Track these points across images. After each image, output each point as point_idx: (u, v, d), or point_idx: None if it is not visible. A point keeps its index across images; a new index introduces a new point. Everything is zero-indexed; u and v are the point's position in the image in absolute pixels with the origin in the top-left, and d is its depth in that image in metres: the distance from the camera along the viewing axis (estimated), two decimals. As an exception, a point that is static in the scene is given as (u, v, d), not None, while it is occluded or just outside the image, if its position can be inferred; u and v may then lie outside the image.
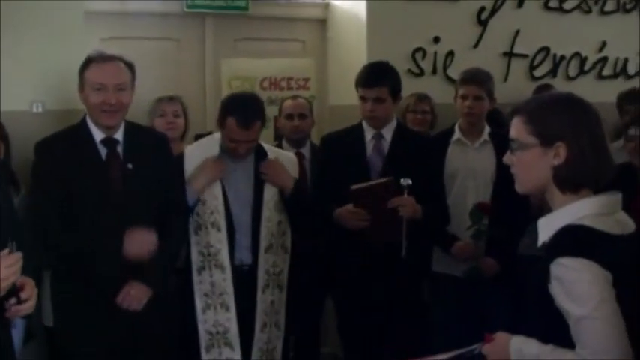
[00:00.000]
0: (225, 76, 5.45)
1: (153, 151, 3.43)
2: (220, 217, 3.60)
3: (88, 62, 3.32)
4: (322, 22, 5.85)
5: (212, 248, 3.59)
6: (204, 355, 3.61)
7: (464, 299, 4.12)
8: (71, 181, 3.22)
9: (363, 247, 3.73)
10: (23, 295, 2.34)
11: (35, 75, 4.37)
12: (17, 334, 3.83)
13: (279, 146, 4.57)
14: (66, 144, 3.31)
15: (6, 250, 2.23)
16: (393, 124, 3.94)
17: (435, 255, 4.18)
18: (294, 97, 4.80)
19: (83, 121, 3.38)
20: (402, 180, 3.60)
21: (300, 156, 4.48)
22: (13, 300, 2.33)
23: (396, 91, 3.86)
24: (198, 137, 4.94)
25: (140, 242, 3.19)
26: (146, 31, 5.30)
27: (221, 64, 5.50)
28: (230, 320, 3.59)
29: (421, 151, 3.89)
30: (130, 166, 3.32)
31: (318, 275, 4.21)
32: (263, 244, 3.64)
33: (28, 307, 2.38)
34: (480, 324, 3.73)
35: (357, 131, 3.95)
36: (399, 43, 5.30)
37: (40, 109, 4.46)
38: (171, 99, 4.34)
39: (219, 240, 3.59)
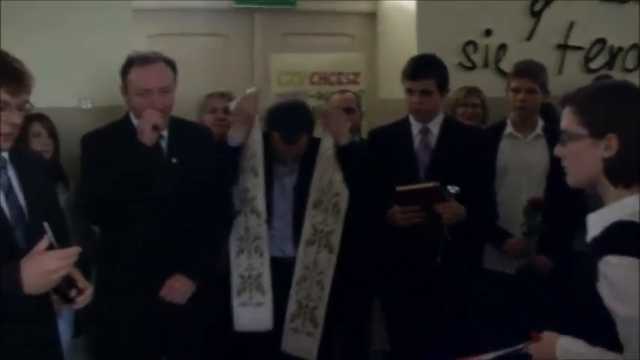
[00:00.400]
0: (274, 72, 5.42)
1: (197, 145, 3.38)
2: (259, 163, 3.60)
3: (130, 65, 3.26)
4: (372, 16, 5.79)
5: (248, 194, 3.60)
6: (235, 298, 3.61)
7: (514, 297, 4.00)
8: (115, 174, 3.17)
9: (407, 245, 3.67)
10: (80, 284, 2.35)
11: (84, 72, 4.40)
12: (66, 327, 3.87)
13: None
14: (110, 138, 3.29)
15: (46, 239, 2.23)
16: (440, 117, 3.86)
17: (486, 252, 4.09)
18: (342, 91, 4.74)
19: (127, 117, 3.36)
20: (449, 187, 3.53)
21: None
22: (73, 291, 2.33)
23: (443, 84, 3.78)
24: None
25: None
26: (194, 27, 5.31)
27: (270, 59, 5.48)
28: (263, 265, 3.59)
29: (470, 145, 3.80)
30: (174, 160, 3.29)
31: (366, 273, 4.13)
32: (311, 200, 3.64)
33: (87, 295, 2.39)
34: (530, 323, 3.64)
35: (403, 125, 3.88)
36: (449, 36, 5.22)
37: (89, 106, 4.50)
38: (222, 95, 4.31)
39: (256, 185, 3.60)
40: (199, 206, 3.28)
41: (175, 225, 3.21)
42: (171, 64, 3.31)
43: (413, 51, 5.07)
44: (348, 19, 5.79)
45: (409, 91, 3.77)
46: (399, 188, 3.59)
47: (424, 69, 3.74)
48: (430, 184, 3.57)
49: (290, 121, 3.63)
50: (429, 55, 3.93)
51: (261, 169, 3.59)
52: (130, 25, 4.67)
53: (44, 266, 2.18)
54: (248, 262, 3.60)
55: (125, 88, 3.27)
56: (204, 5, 5.33)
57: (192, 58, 5.20)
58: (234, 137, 3.53)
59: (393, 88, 5.25)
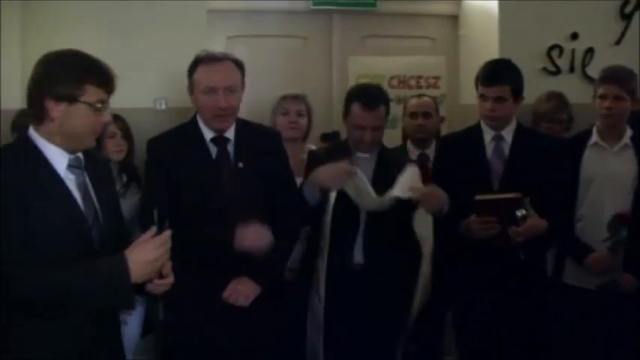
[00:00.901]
0: (352, 74, 5.35)
1: (265, 149, 3.34)
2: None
3: (197, 63, 3.25)
4: (453, 19, 5.67)
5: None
6: None
7: (595, 315, 3.82)
8: (181, 178, 3.19)
9: (481, 258, 3.55)
10: (164, 270, 2.41)
11: (158, 73, 4.44)
12: (135, 327, 3.88)
13: (404, 147, 4.44)
14: (177, 142, 3.28)
15: (152, 230, 2.32)
16: (513, 124, 3.72)
17: (567, 266, 3.92)
18: (420, 95, 4.64)
19: (194, 119, 3.34)
20: (517, 212, 3.38)
21: (424, 157, 4.33)
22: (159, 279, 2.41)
23: (518, 91, 3.64)
24: (324, 137, 4.88)
25: (254, 236, 3.12)
26: (272, 28, 5.29)
27: (348, 61, 5.41)
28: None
29: (547, 154, 3.65)
30: (240, 164, 3.26)
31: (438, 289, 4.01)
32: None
33: (168, 282, 2.45)
34: (609, 342, 3.50)
35: (475, 132, 3.76)
36: (533, 40, 5.05)
37: (163, 107, 4.54)
38: (296, 97, 4.26)
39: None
40: (267, 210, 3.23)
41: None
42: (239, 65, 3.28)
43: (495, 55, 4.94)
44: (428, 22, 5.69)
45: (482, 97, 3.67)
46: (479, 197, 3.46)
47: (499, 74, 3.63)
48: (512, 195, 3.43)
49: (369, 90, 3.66)
50: (504, 59, 3.81)
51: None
52: (203, 26, 4.70)
53: (148, 255, 2.28)
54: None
55: (191, 88, 3.27)
56: (283, 6, 5.30)
57: (270, 59, 5.20)
58: (313, 186, 3.43)
59: (474, 93, 5.11)
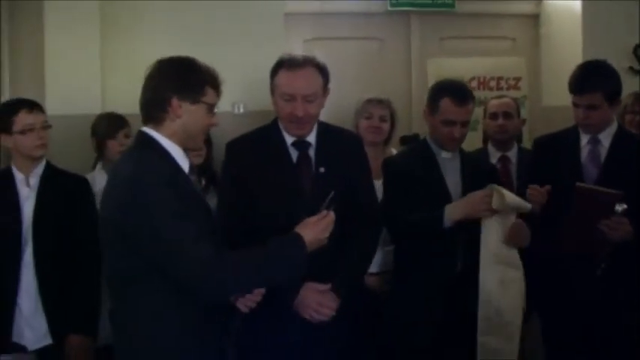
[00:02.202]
0: (431, 76, 5.28)
1: (346, 154, 3.24)
2: None
3: (278, 67, 3.17)
4: (534, 18, 5.58)
5: None
6: None
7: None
8: (260, 182, 3.12)
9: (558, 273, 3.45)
10: None
11: (236, 77, 4.40)
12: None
13: (485, 149, 4.36)
14: (257, 145, 3.22)
15: (324, 212, 2.62)
16: (613, 127, 3.54)
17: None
18: (500, 96, 4.55)
19: (274, 123, 3.27)
20: (617, 206, 3.24)
21: (505, 160, 4.25)
22: None
23: (613, 95, 3.46)
24: (403, 139, 4.83)
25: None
26: (349, 30, 5.29)
27: (427, 63, 5.37)
28: None
29: None
30: (322, 169, 3.17)
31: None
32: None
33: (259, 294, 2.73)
34: None
35: (571, 134, 3.61)
36: (618, 39, 4.95)
37: (242, 110, 4.56)
38: (380, 102, 4.20)
39: None
40: (348, 216, 3.09)
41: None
42: (322, 70, 3.18)
43: (578, 55, 4.84)
44: (508, 22, 5.61)
45: (574, 104, 3.51)
46: (580, 184, 3.36)
47: (589, 82, 3.44)
48: (614, 191, 3.27)
49: (458, 84, 3.57)
50: (595, 63, 3.60)
51: None
52: (281, 29, 4.73)
53: (320, 233, 2.58)
54: None
55: (272, 90, 3.21)
56: (359, 8, 5.29)
57: (348, 62, 5.18)
58: (452, 218, 3.28)
59: (557, 95, 5.04)
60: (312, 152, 3.21)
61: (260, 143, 3.23)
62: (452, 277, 3.36)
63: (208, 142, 4.10)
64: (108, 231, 2.46)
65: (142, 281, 2.40)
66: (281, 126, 3.22)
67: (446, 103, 3.40)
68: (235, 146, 3.27)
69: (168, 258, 2.33)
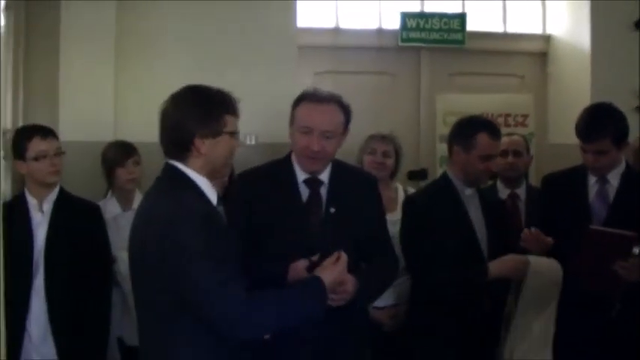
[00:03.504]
0: (440, 112, 5.32)
1: (360, 194, 3.12)
2: None
3: (302, 99, 3.07)
4: (542, 56, 5.64)
5: None
6: None
7: None
8: (266, 219, 3.01)
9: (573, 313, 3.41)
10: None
11: (249, 108, 4.41)
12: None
13: (494, 186, 4.37)
14: (267, 179, 3.11)
15: (336, 255, 2.62)
16: (621, 167, 3.54)
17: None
18: (510, 134, 4.56)
19: (287, 157, 3.15)
20: (635, 248, 3.21)
21: (514, 197, 4.26)
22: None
23: (621, 139, 3.44)
24: (411, 174, 4.85)
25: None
26: (360, 64, 5.33)
27: (436, 99, 5.40)
28: None
29: None
30: (332, 209, 3.04)
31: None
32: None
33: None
34: None
35: (579, 173, 3.60)
36: (626, 78, 4.97)
37: (253, 142, 4.56)
38: (384, 138, 4.21)
39: None
40: (360, 256, 3.04)
41: None
42: (345, 109, 3.06)
43: (586, 93, 4.87)
44: (517, 59, 5.67)
45: (583, 150, 3.49)
46: (593, 227, 3.35)
47: (595, 130, 3.42)
48: (629, 233, 3.25)
49: (487, 120, 3.62)
50: (602, 108, 3.54)
51: None
52: (294, 62, 4.74)
53: (338, 276, 2.60)
54: None
55: (291, 121, 3.09)
56: (371, 43, 5.34)
57: (358, 95, 5.17)
58: (493, 273, 3.31)
59: (564, 132, 5.05)
60: (324, 191, 3.09)
61: (270, 178, 3.12)
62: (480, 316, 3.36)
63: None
64: (140, 268, 2.45)
65: (176, 319, 2.39)
66: (294, 161, 3.11)
67: (483, 139, 3.38)
68: (246, 178, 3.19)
69: (202, 298, 2.32)
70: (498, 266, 3.30)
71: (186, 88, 2.56)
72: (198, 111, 2.47)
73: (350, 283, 2.80)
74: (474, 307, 3.34)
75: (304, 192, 3.07)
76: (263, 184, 3.09)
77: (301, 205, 3.06)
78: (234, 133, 2.53)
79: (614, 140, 3.41)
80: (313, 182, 3.08)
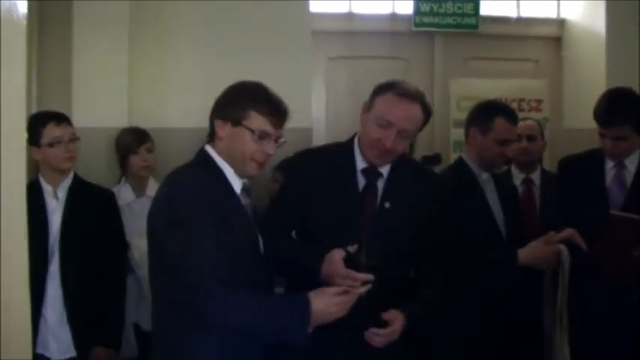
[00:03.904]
0: (454, 97, 5.30)
1: (421, 194, 2.95)
2: None
3: (387, 88, 2.87)
4: (557, 40, 5.58)
5: None
6: None
7: None
8: (318, 201, 2.88)
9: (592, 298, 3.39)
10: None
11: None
12: None
13: (509, 171, 4.35)
14: (325, 162, 2.96)
15: (342, 289, 2.45)
16: (638, 153, 3.50)
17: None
18: (524, 119, 4.54)
19: (350, 142, 2.99)
20: None
21: (529, 182, 4.25)
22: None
23: None
24: (425, 159, 4.83)
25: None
26: (374, 49, 5.30)
27: (450, 83, 5.37)
28: None
29: None
30: (387, 204, 2.89)
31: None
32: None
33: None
34: None
35: (596, 156, 3.57)
36: (641, 62, 4.90)
37: (267, 126, 4.54)
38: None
39: None
40: (413, 256, 2.94)
41: (386, 273, 2.63)
42: (426, 111, 2.87)
43: (601, 78, 4.83)
44: (531, 44, 5.62)
45: (602, 135, 3.45)
46: (614, 212, 3.32)
47: (616, 115, 3.37)
48: None
49: (505, 104, 3.64)
50: (622, 93, 3.48)
51: None
52: (309, 47, 4.71)
53: (330, 308, 2.38)
54: None
55: (367, 108, 2.90)
56: (384, 27, 5.31)
57: (371, 81, 5.14)
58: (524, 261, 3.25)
59: (578, 117, 5.03)
60: (381, 184, 2.92)
61: (329, 161, 2.97)
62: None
63: None
64: (153, 255, 2.46)
65: (185, 319, 2.38)
66: (357, 148, 2.95)
67: (500, 123, 3.36)
68: (303, 157, 3.06)
69: (177, 273, 2.33)
70: (527, 253, 3.21)
71: (243, 80, 2.59)
72: (226, 95, 2.54)
73: (397, 322, 2.69)
74: (509, 302, 3.27)
75: (361, 182, 2.93)
76: (321, 166, 2.95)
77: (356, 194, 2.91)
78: (257, 134, 2.44)
79: (634, 126, 3.37)
80: (372, 173, 2.93)
